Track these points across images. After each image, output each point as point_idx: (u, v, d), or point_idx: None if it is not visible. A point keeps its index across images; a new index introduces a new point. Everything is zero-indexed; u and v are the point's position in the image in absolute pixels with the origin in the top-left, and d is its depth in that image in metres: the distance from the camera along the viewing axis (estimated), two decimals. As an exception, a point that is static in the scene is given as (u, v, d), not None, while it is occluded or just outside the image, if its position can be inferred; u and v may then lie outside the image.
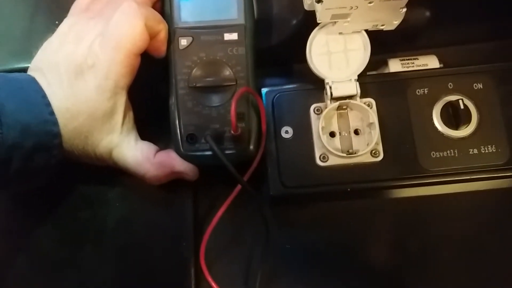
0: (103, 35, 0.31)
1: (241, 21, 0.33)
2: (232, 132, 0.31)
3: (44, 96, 0.30)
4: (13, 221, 0.36)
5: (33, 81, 0.31)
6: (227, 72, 0.33)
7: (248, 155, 0.33)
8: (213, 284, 0.32)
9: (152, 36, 0.32)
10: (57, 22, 0.34)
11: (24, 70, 0.32)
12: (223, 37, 0.33)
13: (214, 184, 0.36)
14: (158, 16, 0.32)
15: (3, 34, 0.38)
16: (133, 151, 0.33)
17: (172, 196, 0.35)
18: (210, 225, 0.32)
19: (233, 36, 0.33)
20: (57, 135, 0.30)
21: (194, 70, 0.33)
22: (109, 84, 0.31)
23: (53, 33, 0.33)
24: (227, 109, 0.32)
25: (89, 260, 0.35)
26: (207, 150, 0.32)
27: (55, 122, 0.30)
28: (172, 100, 0.33)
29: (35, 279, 0.35)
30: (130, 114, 0.34)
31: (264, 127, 0.34)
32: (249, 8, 0.34)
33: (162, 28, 0.32)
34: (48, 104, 0.30)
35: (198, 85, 0.32)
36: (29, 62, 0.32)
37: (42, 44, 0.33)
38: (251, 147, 0.33)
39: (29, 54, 0.33)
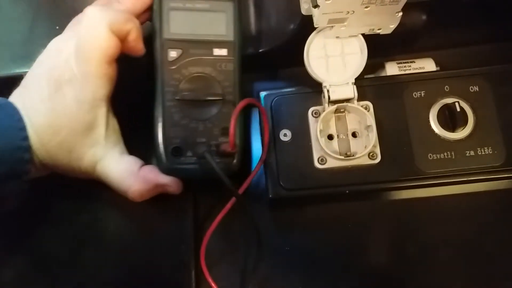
0: (75, 48, 0.30)
1: (231, 37, 0.33)
2: (230, 149, 0.31)
3: (19, 119, 0.29)
4: (14, 221, 0.36)
5: (7, 105, 0.30)
6: (215, 87, 0.33)
7: (232, 170, 0.33)
8: (213, 285, 0.32)
9: (122, 38, 0.30)
10: (57, 27, 0.35)
11: (24, 76, 0.33)
12: (212, 52, 0.33)
13: (214, 186, 0.36)
14: (124, 16, 0.30)
15: (4, 39, 0.39)
16: (117, 165, 0.32)
17: (172, 198, 0.35)
18: (209, 228, 0.32)
19: (223, 52, 0.33)
20: (29, 161, 0.29)
21: (182, 83, 0.32)
22: (87, 97, 0.30)
23: (53, 37, 0.33)
24: (214, 123, 0.32)
25: (89, 263, 0.35)
26: (192, 163, 0.32)
27: (27, 148, 0.29)
28: (158, 112, 0.32)
29: (35, 280, 0.35)
30: (115, 126, 0.33)
31: (266, 137, 0.34)
32: (238, 26, 0.34)
33: (131, 27, 0.30)
34: (22, 129, 0.29)
35: (185, 98, 0.32)
36: (30, 67, 0.33)
37: (43, 49, 0.33)
38: (235, 161, 0.33)
39: (30, 59, 0.33)
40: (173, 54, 0.32)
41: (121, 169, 0.32)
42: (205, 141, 0.32)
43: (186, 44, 0.33)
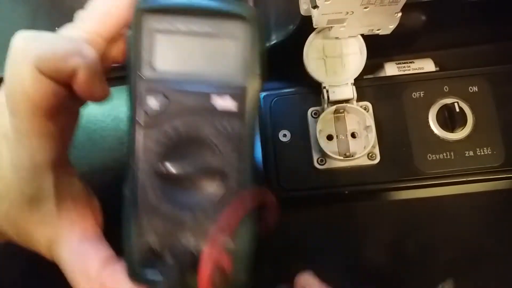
0: (5, 95, 0.22)
1: (243, 81, 0.21)
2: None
3: None
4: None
5: None
6: (214, 158, 0.22)
7: None
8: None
9: (64, 80, 0.21)
10: (56, 28, 0.35)
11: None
12: (211, 102, 0.21)
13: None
14: (64, 46, 0.21)
15: (2, 40, 0.39)
16: (71, 258, 0.23)
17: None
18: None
19: (227, 103, 0.22)
20: None
21: (164, 149, 0.22)
22: (23, 162, 0.22)
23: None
24: (208, 216, 0.21)
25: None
26: (171, 275, 0.21)
27: None
28: (128, 190, 0.22)
29: (35, 282, 0.35)
30: (79, 200, 0.24)
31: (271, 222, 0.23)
32: (258, 64, 0.22)
33: (76, 64, 0.20)
34: None
35: (168, 172, 0.22)
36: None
37: None
38: (241, 277, 0.21)
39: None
40: (153, 103, 0.21)
41: (73, 266, 0.23)
42: (192, 242, 0.21)
43: (174, 89, 0.21)
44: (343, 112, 0.35)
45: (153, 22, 0.22)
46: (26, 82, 0.20)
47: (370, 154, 0.34)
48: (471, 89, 0.35)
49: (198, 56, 0.22)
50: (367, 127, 0.34)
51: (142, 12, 0.21)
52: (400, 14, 0.31)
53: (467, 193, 0.35)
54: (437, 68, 0.37)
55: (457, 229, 0.35)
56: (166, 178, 0.22)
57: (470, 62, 0.37)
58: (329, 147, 0.34)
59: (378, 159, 0.34)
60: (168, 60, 0.22)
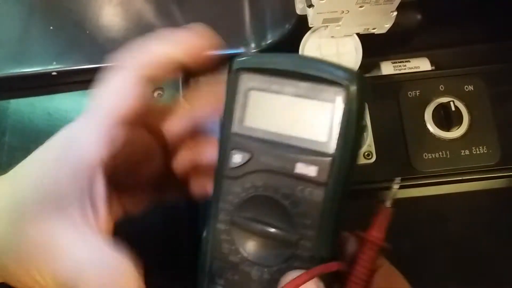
0: None
1: (331, 149, 0.20)
2: None
3: None
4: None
5: None
6: (288, 223, 0.21)
7: None
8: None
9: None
10: (51, 27, 0.35)
11: (20, 75, 0.32)
12: (294, 166, 0.21)
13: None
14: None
15: (-2, 39, 0.39)
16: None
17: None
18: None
19: (310, 170, 0.21)
20: None
21: (241, 202, 0.22)
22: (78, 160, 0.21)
23: (48, 38, 0.33)
24: (273, 276, 0.21)
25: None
26: None
27: None
28: (208, 232, 0.23)
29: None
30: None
31: None
32: (351, 135, 0.20)
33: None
34: None
35: (242, 226, 0.22)
36: (25, 67, 0.32)
37: (37, 49, 0.32)
38: None
39: (25, 59, 0.33)
40: (237, 158, 0.22)
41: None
42: None
43: (259, 147, 0.22)
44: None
45: (248, 81, 0.22)
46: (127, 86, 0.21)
47: (366, 153, 0.34)
48: (466, 88, 0.35)
49: (289, 117, 0.21)
50: (363, 126, 0.34)
51: (239, 71, 0.22)
52: (395, 13, 0.31)
53: (463, 192, 0.35)
54: (433, 67, 0.37)
55: (454, 228, 0.35)
56: (239, 228, 0.22)
57: (465, 61, 0.37)
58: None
59: (374, 158, 0.34)
60: (258, 117, 0.22)
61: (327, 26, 0.33)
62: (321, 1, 0.29)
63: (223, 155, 0.22)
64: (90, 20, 0.36)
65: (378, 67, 0.38)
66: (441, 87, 0.35)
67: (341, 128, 0.20)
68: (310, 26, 0.32)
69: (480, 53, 0.40)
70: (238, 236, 0.22)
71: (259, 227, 0.21)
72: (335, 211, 0.21)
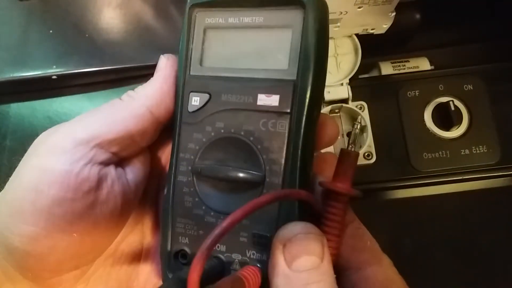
0: None
1: (292, 75, 0.19)
2: None
3: None
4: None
5: None
6: (254, 160, 0.20)
7: None
8: None
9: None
10: (51, 31, 0.35)
11: (20, 79, 0.32)
12: (255, 99, 0.20)
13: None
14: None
15: (-3, 43, 0.39)
16: None
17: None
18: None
19: (272, 100, 0.19)
20: None
21: (202, 149, 0.21)
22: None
23: (47, 41, 0.33)
24: (243, 223, 0.20)
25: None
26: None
27: None
28: (167, 191, 0.22)
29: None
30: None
31: None
32: (312, 56, 0.19)
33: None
34: None
35: (204, 173, 0.21)
36: (25, 71, 0.32)
37: (37, 53, 0.32)
38: None
39: (25, 63, 0.33)
40: (195, 101, 0.21)
41: None
42: (225, 249, 0.20)
43: (217, 86, 0.21)
44: (338, 112, 0.35)
45: (204, 19, 0.21)
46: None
47: (366, 154, 0.34)
48: (466, 88, 0.35)
49: (248, 51, 0.20)
50: (363, 127, 0.34)
51: (194, 8, 0.21)
52: (394, 14, 0.31)
53: (463, 191, 0.35)
54: (432, 67, 0.37)
55: (453, 227, 0.35)
56: (202, 179, 0.21)
57: (465, 61, 0.37)
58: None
59: (374, 158, 0.34)
60: (216, 56, 0.21)
61: (326, 27, 0.33)
62: (319, 3, 0.29)
63: (181, 101, 0.21)
64: (89, 24, 0.36)
65: (377, 67, 0.38)
66: (441, 87, 0.35)
67: (301, 52, 0.19)
68: (309, 27, 0.32)
69: (479, 52, 0.40)
70: (201, 186, 0.21)
71: (223, 172, 0.20)
72: (302, 142, 0.19)
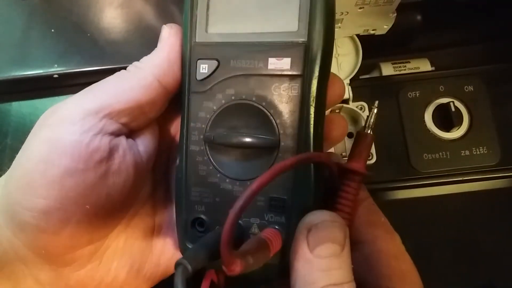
0: None
1: (303, 36, 0.19)
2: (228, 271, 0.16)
3: None
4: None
5: None
6: (267, 125, 0.20)
7: (276, 273, 0.20)
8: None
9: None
10: (52, 30, 0.35)
11: (21, 78, 0.32)
12: (266, 63, 0.19)
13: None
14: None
15: None
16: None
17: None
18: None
19: (283, 63, 0.19)
20: None
21: (214, 117, 0.21)
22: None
23: (49, 40, 0.33)
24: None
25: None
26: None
27: None
28: (180, 159, 0.21)
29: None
30: None
31: None
32: (323, 16, 0.19)
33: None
34: None
35: (217, 141, 0.20)
36: (26, 70, 0.32)
37: (38, 51, 0.33)
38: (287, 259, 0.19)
39: (26, 61, 0.33)
40: (203, 68, 0.20)
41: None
42: (242, 216, 0.20)
43: (226, 52, 0.20)
44: (339, 112, 0.35)
45: None
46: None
47: (366, 154, 0.34)
48: (466, 89, 0.35)
49: (255, 15, 0.20)
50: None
51: None
52: (395, 14, 0.31)
53: (463, 192, 0.35)
54: (433, 68, 0.37)
55: (454, 228, 0.35)
56: (214, 148, 0.21)
57: (465, 62, 0.37)
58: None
59: (374, 159, 0.34)
60: (222, 22, 0.20)
61: (327, 27, 0.33)
62: (320, 3, 0.29)
63: (188, 69, 0.21)
64: (91, 22, 0.37)
65: (378, 68, 0.38)
66: (441, 88, 0.35)
67: (311, 13, 0.19)
68: (310, 27, 0.32)
69: (480, 53, 0.40)
70: (215, 154, 0.21)
71: (237, 138, 0.20)
72: (315, 104, 0.19)
